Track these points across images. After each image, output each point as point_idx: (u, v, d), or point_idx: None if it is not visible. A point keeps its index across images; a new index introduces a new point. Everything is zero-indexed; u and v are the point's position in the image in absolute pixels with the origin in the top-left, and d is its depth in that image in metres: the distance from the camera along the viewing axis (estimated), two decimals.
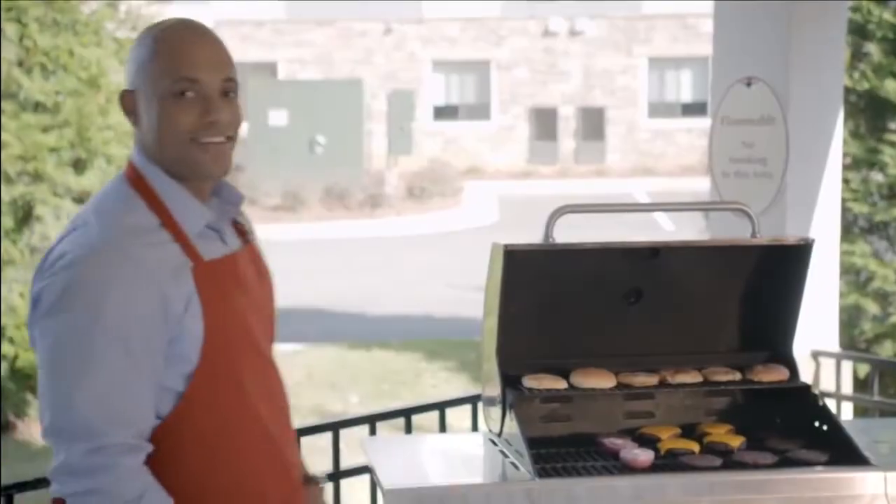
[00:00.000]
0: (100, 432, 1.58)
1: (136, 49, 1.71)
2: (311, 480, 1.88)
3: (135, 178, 1.70)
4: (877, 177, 5.30)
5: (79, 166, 6.83)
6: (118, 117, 6.91)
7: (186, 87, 1.67)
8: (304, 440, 2.68)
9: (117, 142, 6.91)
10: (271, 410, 1.76)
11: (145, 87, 1.69)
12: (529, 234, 2.57)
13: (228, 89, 1.71)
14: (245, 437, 1.69)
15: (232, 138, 1.73)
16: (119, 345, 1.58)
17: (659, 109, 23.74)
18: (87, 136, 6.78)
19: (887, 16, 5.21)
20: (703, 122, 4.22)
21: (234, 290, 1.71)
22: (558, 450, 2.44)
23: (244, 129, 20.69)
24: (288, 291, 11.84)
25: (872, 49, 5.29)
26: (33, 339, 1.64)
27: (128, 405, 1.60)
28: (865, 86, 5.22)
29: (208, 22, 23.02)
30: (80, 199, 6.86)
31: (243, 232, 1.85)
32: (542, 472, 2.26)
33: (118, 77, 7.16)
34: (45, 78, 6.67)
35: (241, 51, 23.47)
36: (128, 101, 1.73)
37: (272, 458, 1.74)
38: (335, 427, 2.89)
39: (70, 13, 6.90)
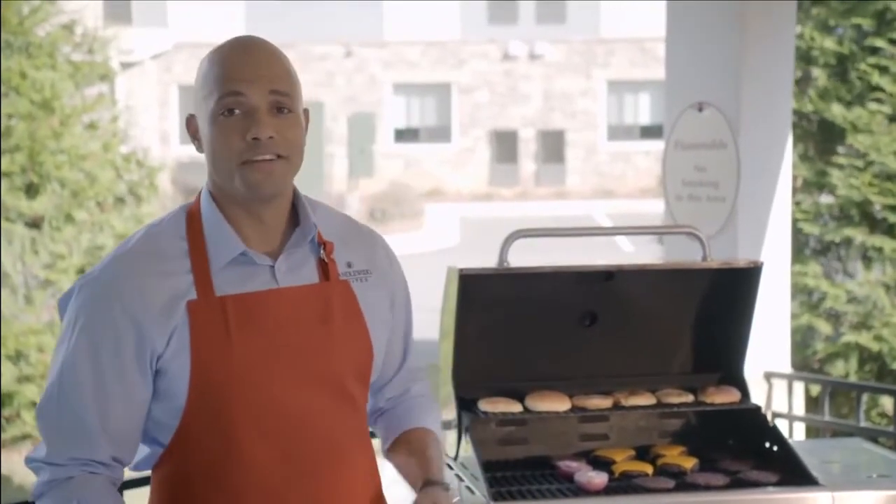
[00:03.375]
0: (43, 446, 1.60)
1: (197, 72, 1.63)
2: (432, 483, 1.66)
3: (193, 205, 1.65)
4: (827, 199, 5.40)
5: (31, 191, 6.74)
6: (72, 141, 6.83)
7: (232, 104, 1.56)
8: None
9: (70, 166, 6.80)
10: (276, 457, 1.58)
11: (199, 108, 1.61)
12: (490, 257, 2.59)
13: (280, 104, 1.59)
14: (232, 481, 1.58)
15: (284, 157, 1.59)
16: (85, 367, 1.57)
17: (618, 132, 23.99)
18: (39, 161, 6.68)
19: (829, 44, 5.34)
20: (662, 145, 4.33)
21: (244, 330, 1.57)
22: (514, 473, 2.45)
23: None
24: None
25: (818, 74, 5.41)
26: None
27: (77, 432, 1.58)
28: (809, 108, 5.33)
29: (167, 45, 22.95)
30: (32, 224, 6.76)
31: (329, 271, 1.65)
32: (498, 496, 2.27)
33: (73, 100, 7.10)
34: None
35: None
36: (190, 126, 1.65)
37: None
38: None
39: (23, 35, 6.83)
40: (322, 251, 1.65)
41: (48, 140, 6.67)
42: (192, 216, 1.63)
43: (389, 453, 1.78)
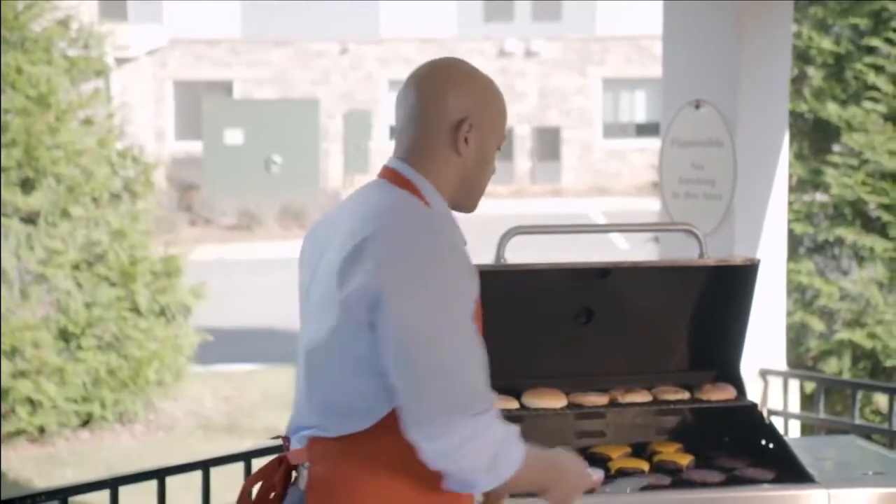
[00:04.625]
0: (473, 398, 1.68)
1: (478, 85, 1.82)
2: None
3: (420, 200, 1.78)
4: (822, 197, 5.41)
5: (27, 186, 6.72)
6: (67, 136, 6.80)
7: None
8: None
9: (66, 161, 6.78)
10: None
11: (488, 131, 1.81)
12: (487, 254, 2.59)
13: None
14: None
15: None
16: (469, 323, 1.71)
17: (613, 130, 24.00)
18: (35, 156, 6.66)
19: (826, 43, 5.35)
20: (657, 143, 4.32)
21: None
22: None
23: (198, 148, 20.60)
24: (244, 311, 11.78)
25: (813, 73, 5.42)
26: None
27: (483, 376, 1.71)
28: (804, 107, 5.33)
29: (162, 41, 22.90)
30: (28, 219, 6.73)
31: None
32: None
33: (68, 95, 7.07)
34: None
35: (195, 70, 23.37)
36: (464, 131, 1.79)
37: None
38: (247, 457, 2.82)
39: (19, 30, 6.80)
40: None
41: (44, 135, 6.64)
42: (441, 211, 1.81)
43: None
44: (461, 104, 1.78)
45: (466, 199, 1.84)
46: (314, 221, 1.96)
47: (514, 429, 1.73)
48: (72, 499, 2.55)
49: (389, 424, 1.69)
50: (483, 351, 1.72)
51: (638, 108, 24.05)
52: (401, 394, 1.66)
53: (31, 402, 6.51)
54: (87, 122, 7.21)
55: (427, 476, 1.69)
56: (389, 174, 1.80)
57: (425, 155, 1.78)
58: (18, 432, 6.50)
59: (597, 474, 2.34)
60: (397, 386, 1.67)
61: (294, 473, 1.81)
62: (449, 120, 1.78)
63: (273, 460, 1.84)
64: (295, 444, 1.80)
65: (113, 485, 2.59)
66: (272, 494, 1.81)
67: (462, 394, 1.66)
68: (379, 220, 1.72)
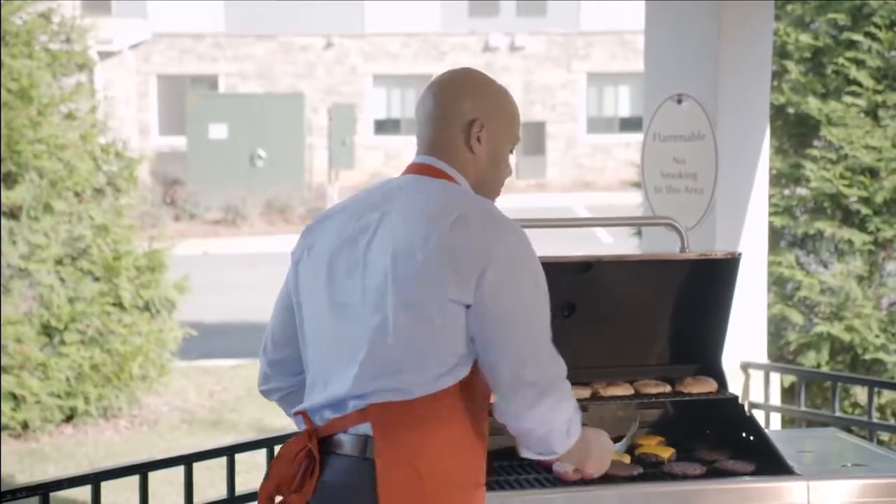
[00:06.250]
0: (560, 363, 1.91)
1: (489, 90, 2.00)
2: None
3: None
4: (801, 191, 5.43)
5: (9, 180, 6.68)
6: (50, 130, 6.75)
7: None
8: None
9: (49, 156, 6.73)
10: None
11: (503, 132, 1.99)
12: None
13: None
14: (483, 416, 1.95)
15: None
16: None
17: (598, 124, 24.03)
18: (17, 150, 6.61)
19: (804, 38, 5.37)
20: (641, 138, 4.33)
21: None
22: (491, 463, 2.46)
23: (182, 142, 20.50)
24: (228, 306, 11.75)
25: (792, 68, 5.44)
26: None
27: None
28: (782, 100, 5.36)
29: (146, 35, 22.78)
30: (10, 214, 6.69)
31: None
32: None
33: (50, 89, 7.02)
34: None
35: (179, 64, 23.26)
36: (478, 129, 1.97)
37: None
38: (231, 452, 2.80)
39: (0, 24, 6.75)
40: None
41: (26, 129, 6.59)
42: None
43: None
44: (474, 106, 1.97)
45: (483, 196, 1.98)
46: (317, 215, 2.06)
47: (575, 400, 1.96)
48: (54, 494, 2.54)
49: (455, 388, 1.88)
50: None
51: (622, 102, 24.10)
52: (500, 361, 1.86)
53: (14, 398, 6.48)
54: (70, 116, 7.16)
55: (480, 430, 1.94)
56: (426, 169, 1.97)
57: (448, 152, 1.97)
58: (1, 427, 6.47)
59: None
60: (494, 354, 1.86)
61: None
62: (463, 120, 1.96)
63: (298, 438, 1.93)
64: (326, 417, 1.91)
65: (95, 480, 2.58)
66: (304, 470, 1.91)
67: (559, 363, 1.90)
68: (459, 198, 1.90)
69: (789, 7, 5.59)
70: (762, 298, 3.91)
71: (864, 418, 3.65)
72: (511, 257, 1.86)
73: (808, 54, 5.47)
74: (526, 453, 1.96)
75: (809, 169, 5.25)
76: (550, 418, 1.89)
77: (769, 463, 2.42)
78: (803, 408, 3.66)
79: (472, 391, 1.92)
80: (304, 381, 2.00)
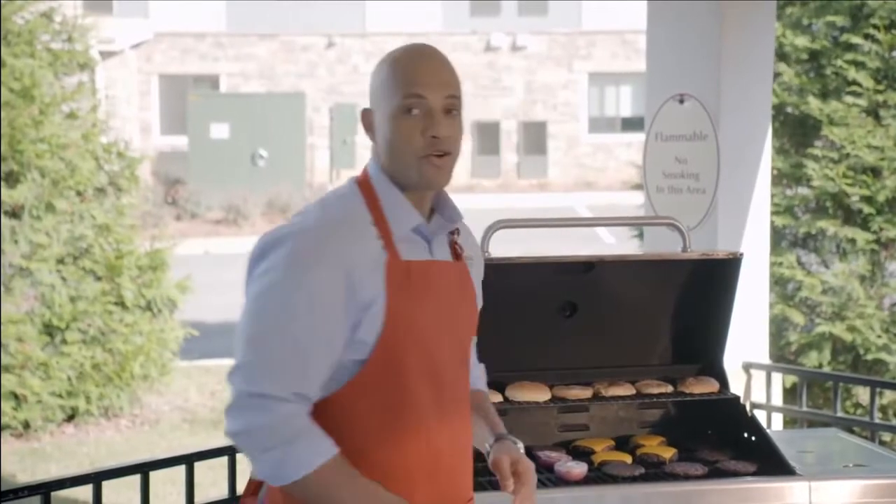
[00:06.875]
0: (264, 379, 1.75)
1: (376, 72, 1.89)
2: (502, 437, 1.96)
3: (363, 182, 1.88)
4: (803, 191, 5.43)
5: (11, 179, 6.68)
6: (51, 130, 6.75)
7: (413, 104, 1.82)
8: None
9: (51, 155, 6.73)
10: (432, 401, 1.82)
11: (380, 104, 1.86)
12: None
13: (451, 107, 1.84)
14: (400, 422, 1.80)
15: (451, 153, 1.85)
16: (307, 314, 1.75)
17: (599, 124, 24.02)
18: (19, 149, 6.61)
19: (800, 41, 5.37)
20: (643, 137, 4.31)
21: (423, 293, 1.82)
22: None
23: (184, 142, 20.50)
24: (230, 305, 11.74)
25: (785, 70, 5.44)
26: (246, 293, 1.83)
27: (297, 366, 1.75)
28: (781, 101, 5.36)
29: (147, 34, 22.79)
30: (12, 213, 6.69)
31: (457, 253, 1.93)
32: (478, 486, 2.28)
33: (52, 89, 7.02)
34: None
35: (181, 63, 23.26)
36: (366, 119, 1.90)
37: (428, 462, 1.82)
38: (232, 451, 2.77)
39: (2, 23, 6.75)
40: (454, 235, 1.93)
41: (28, 128, 6.59)
42: (367, 191, 1.86)
43: None
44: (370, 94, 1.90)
45: (404, 175, 1.84)
46: None
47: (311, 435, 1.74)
48: (55, 494, 2.54)
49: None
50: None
51: (623, 102, 24.08)
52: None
53: (16, 397, 6.48)
54: (72, 115, 7.17)
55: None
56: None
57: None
58: (2, 427, 6.47)
59: (580, 468, 2.35)
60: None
61: None
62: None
63: None
64: None
65: (96, 479, 2.58)
66: None
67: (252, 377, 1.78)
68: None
69: (787, 9, 5.59)
70: (764, 298, 3.90)
71: (866, 419, 3.64)
72: (263, 265, 1.80)
73: (805, 56, 5.47)
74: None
75: (811, 168, 5.25)
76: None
77: (771, 463, 2.42)
78: (805, 408, 3.66)
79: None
80: None
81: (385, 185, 1.85)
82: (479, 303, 1.99)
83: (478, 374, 2.08)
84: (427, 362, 1.82)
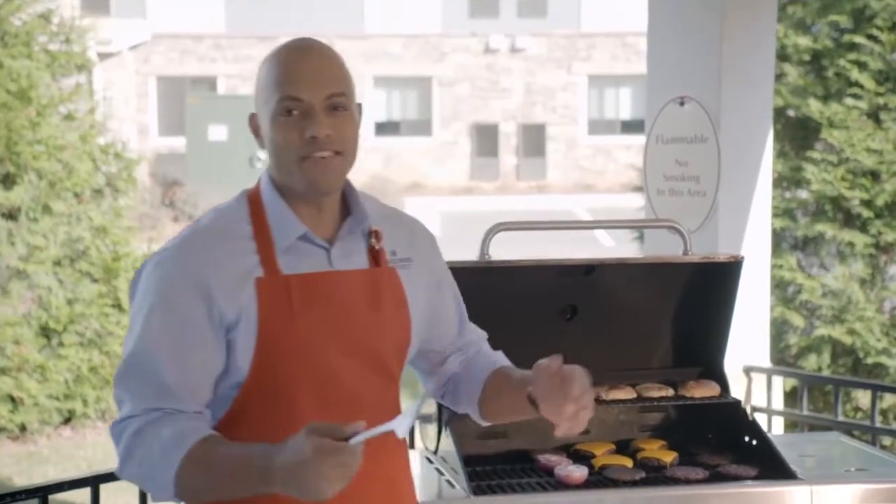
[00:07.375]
0: (124, 404, 1.69)
1: (258, 73, 1.78)
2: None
3: (253, 192, 1.80)
4: (802, 194, 5.42)
5: (7, 181, 6.66)
6: (49, 131, 6.74)
7: (291, 106, 1.71)
8: None
9: (48, 156, 6.72)
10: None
11: (261, 108, 1.75)
12: (471, 251, 2.58)
13: (336, 104, 1.73)
14: None
15: (341, 153, 1.74)
16: (163, 336, 1.68)
17: (599, 126, 24.02)
18: (15, 151, 6.59)
19: (803, 41, 5.36)
20: (642, 140, 4.30)
21: (306, 307, 1.70)
22: (494, 467, 2.45)
23: (182, 144, 20.49)
24: None
25: (789, 70, 5.43)
26: None
27: (152, 381, 1.67)
28: (782, 103, 5.35)
29: (145, 36, 22.78)
30: (9, 215, 6.67)
31: (377, 256, 1.79)
32: (478, 490, 2.27)
33: (49, 90, 7.01)
34: None
35: (179, 65, 23.25)
36: (252, 124, 1.79)
37: None
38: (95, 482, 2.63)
39: None
40: (372, 239, 1.79)
41: (25, 130, 6.58)
42: (254, 201, 1.77)
43: (488, 399, 1.87)
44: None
45: (289, 181, 1.73)
46: None
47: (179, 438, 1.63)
48: (53, 497, 2.52)
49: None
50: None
51: (623, 104, 24.09)
52: None
53: (12, 400, 6.46)
54: (69, 117, 7.15)
55: None
56: None
57: None
58: None
59: (580, 472, 2.33)
60: None
61: None
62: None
63: None
64: None
65: (94, 482, 2.57)
66: None
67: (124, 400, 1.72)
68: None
69: (789, 9, 5.58)
70: (765, 302, 3.89)
71: (867, 422, 3.63)
72: (134, 286, 1.75)
73: (807, 57, 5.47)
74: None
75: (810, 171, 5.24)
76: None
77: (772, 467, 2.40)
78: (806, 412, 3.64)
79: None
80: None
81: (271, 195, 1.75)
82: (431, 302, 1.85)
83: (498, 356, 1.96)
84: (320, 382, 1.69)
